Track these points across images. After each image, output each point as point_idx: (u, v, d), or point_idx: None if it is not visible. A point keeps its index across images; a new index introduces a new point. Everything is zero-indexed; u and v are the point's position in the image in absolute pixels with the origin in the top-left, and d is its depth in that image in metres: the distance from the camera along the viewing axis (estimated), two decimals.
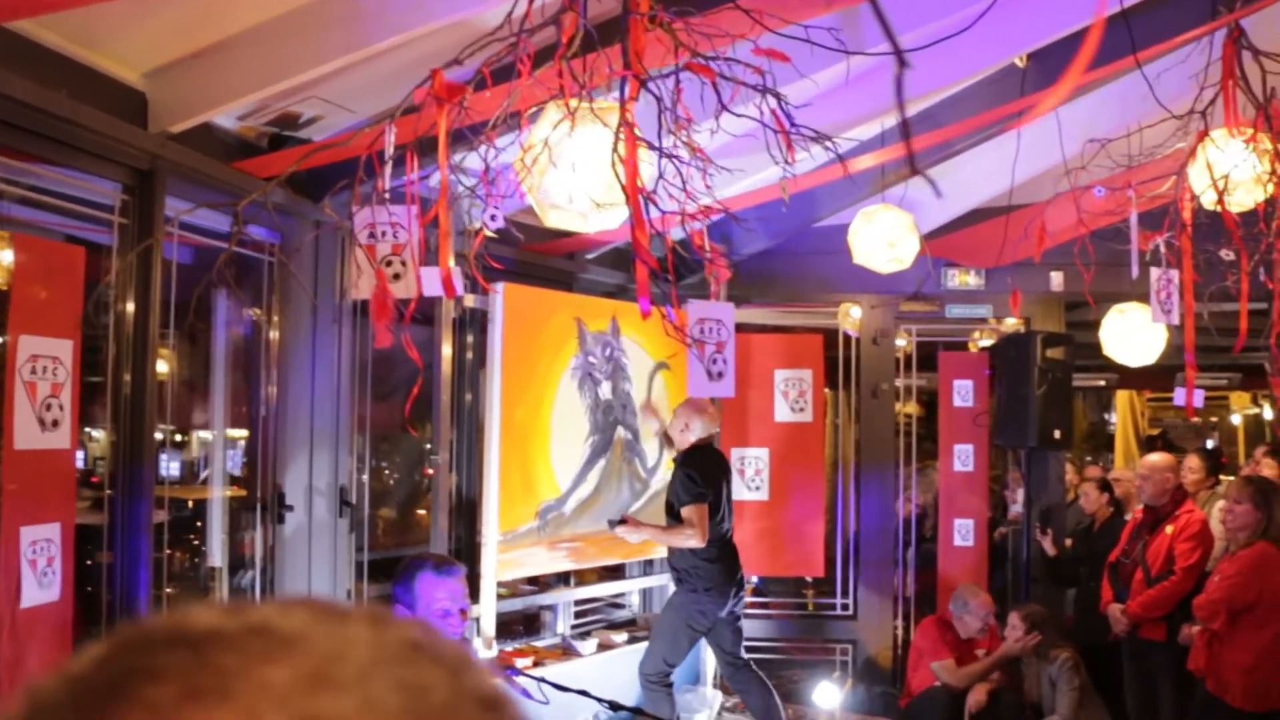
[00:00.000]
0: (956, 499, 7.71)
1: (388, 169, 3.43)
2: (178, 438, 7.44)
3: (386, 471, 7.23)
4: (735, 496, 7.43)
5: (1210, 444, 13.74)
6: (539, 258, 6.49)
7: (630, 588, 7.21)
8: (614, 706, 3.77)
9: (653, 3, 3.48)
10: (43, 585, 3.73)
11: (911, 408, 8.86)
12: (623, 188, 3.19)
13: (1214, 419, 15.41)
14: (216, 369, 5.54)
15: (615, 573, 7.10)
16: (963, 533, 7.63)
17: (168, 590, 4.93)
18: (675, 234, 4.36)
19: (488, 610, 5.60)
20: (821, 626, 7.75)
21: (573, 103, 3.32)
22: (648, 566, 7.21)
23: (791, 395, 7.49)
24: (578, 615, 6.76)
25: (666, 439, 6.27)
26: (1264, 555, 5.57)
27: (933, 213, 7.07)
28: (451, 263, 3.58)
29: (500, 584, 5.98)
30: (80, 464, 5.20)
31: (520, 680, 3.81)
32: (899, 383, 7.93)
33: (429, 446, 5.97)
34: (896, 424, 7.88)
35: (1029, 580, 7.23)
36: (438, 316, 5.54)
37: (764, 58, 3.52)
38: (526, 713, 0.51)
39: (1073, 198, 5.34)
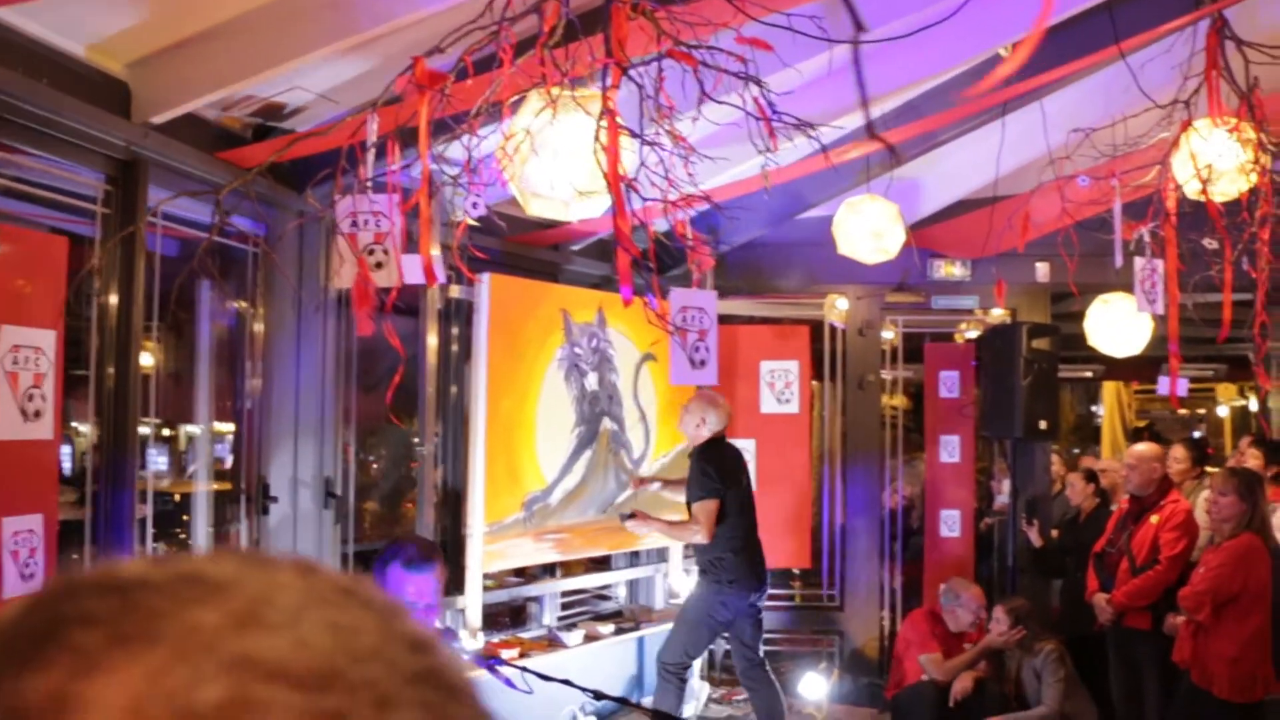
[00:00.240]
0: (943, 490, 7.73)
1: (370, 156, 3.42)
2: (165, 432, 7.43)
3: (374, 464, 7.23)
4: None
5: (1196, 435, 13.78)
6: (525, 249, 6.48)
7: (617, 579, 7.21)
8: (598, 696, 3.77)
9: None
10: (25, 577, 3.72)
11: (899, 400, 8.88)
12: (604, 176, 3.19)
13: (1201, 411, 15.47)
14: (201, 361, 5.52)
15: (602, 565, 7.10)
16: (949, 524, 7.65)
17: None
18: (659, 225, 4.37)
19: (473, 601, 5.60)
20: (808, 618, 7.76)
21: (554, 91, 3.32)
22: (634, 558, 7.21)
23: (777, 386, 7.50)
24: (564, 607, 6.76)
25: (670, 487, 6.28)
26: (1249, 546, 5.58)
27: (918, 204, 7.08)
28: (435, 251, 3.57)
29: (487, 575, 5.98)
30: (68, 461, 5.19)
31: (504, 670, 3.80)
32: (885, 375, 7.94)
33: (416, 441, 5.96)
34: (883, 416, 7.89)
35: (1015, 571, 7.25)
36: (423, 308, 5.53)
37: (747, 46, 3.53)
38: (457, 657, 0.51)
39: (1057, 188, 5.35)
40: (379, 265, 3.59)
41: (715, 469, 5.66)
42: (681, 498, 6.13)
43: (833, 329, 7.80)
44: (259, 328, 5.24)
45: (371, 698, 0.45)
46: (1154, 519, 6.17)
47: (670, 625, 6.43)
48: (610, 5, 3.41)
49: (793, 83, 4.46)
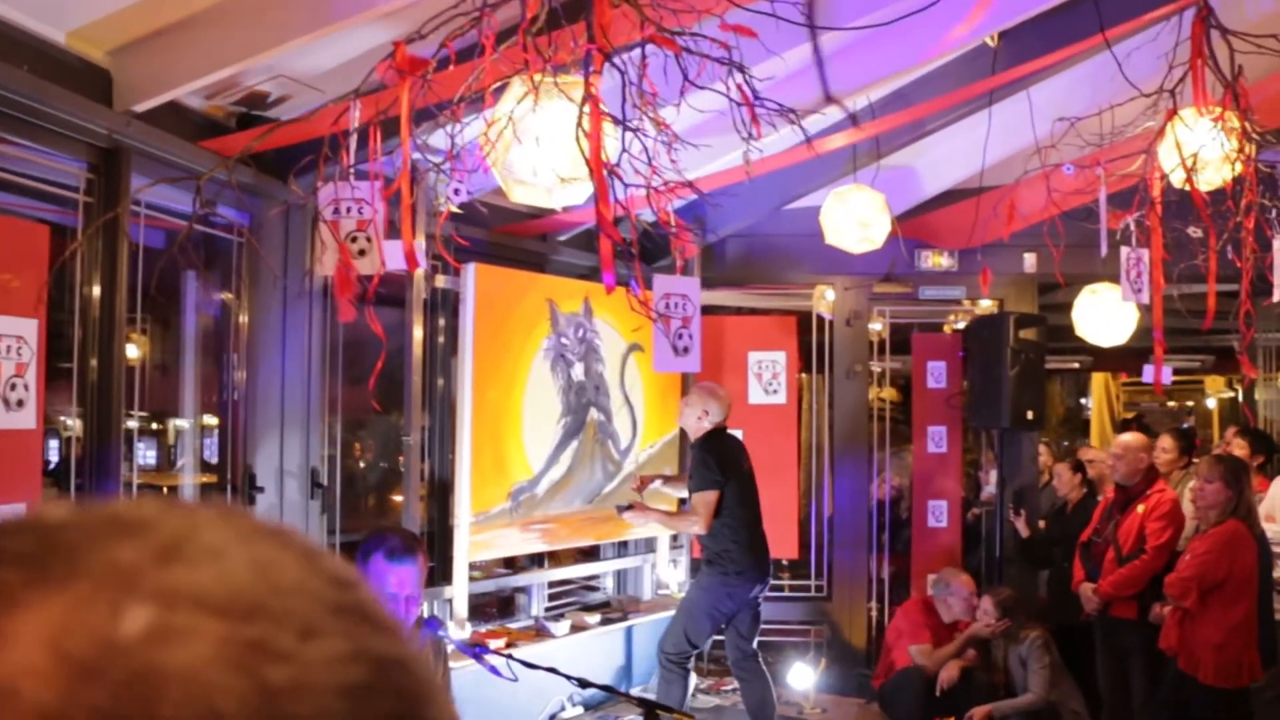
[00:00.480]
0: (931, 481, 7.74)
1: (352, 141, 3.41)
2: (154, 426, 7.41)
3: (362, 455, 7.22)
4: None
5: (1185, 426, 13.82)
6: (511, 239, 6.47)
7: (605, 570, 7.21)
8: (583, 684, 3.76)
9: None
10: None
11: (889, 393, 8.89)
12: (587, 162, 3.18)
13: (1190, 403, 15.52)
14: (187, 352, 5.50)
15: (590, 555, 7.10)
16: (937, 514, 7.67)
17: None
18: (645, 215, 4.36)
19: (460, 592, 5.60)
20: (796, 608, 7.76)
21: (537, 77, 3.31)
22: (622, 549, 7.21)
23: (765, 377, 7.50)
24: (552, 598, 6.76)
25: (671, 484, 6.27)
26: (1234, 533, 5.61)
27: (906, 195, 7.08)
28: (421, 241, 3.56)
29: (474, 566, 5.97)
30: (55, 456, 5.17)
31: (489, 658, 3.80)
32: (874, 366, 7.95)
33: (405, 438, 5.94)
34: (871, 408, 7.89)
35: (1002, 561, 7.27)
36: (409, 298, 5.51)
37: (730, 33, 3.52)
38: (377, 593, 0.51)
39: (1043, 177, 5.36)
40: (362, 253, 3.58)
41: (716, 460, 5.67)
42: (681, 493, 6.14)
43: (820, 320, 7.80)
44: (244, 317, 5.22)
45: (296, 627, 0.46)
46: (1140, 508, 6.19)
47: (660, 615, 6.45)
48: None
49: (778, 71, 4.46)
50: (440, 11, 3.37)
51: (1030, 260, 7.50)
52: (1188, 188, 4.88)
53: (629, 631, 6.73)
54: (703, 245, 7.13)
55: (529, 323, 6.04)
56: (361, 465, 7.24)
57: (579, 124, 3.24)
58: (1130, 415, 13.28)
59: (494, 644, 5.37)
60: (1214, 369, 12.91)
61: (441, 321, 6.18)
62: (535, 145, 3.36)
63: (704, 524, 5.60)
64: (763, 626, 7.65)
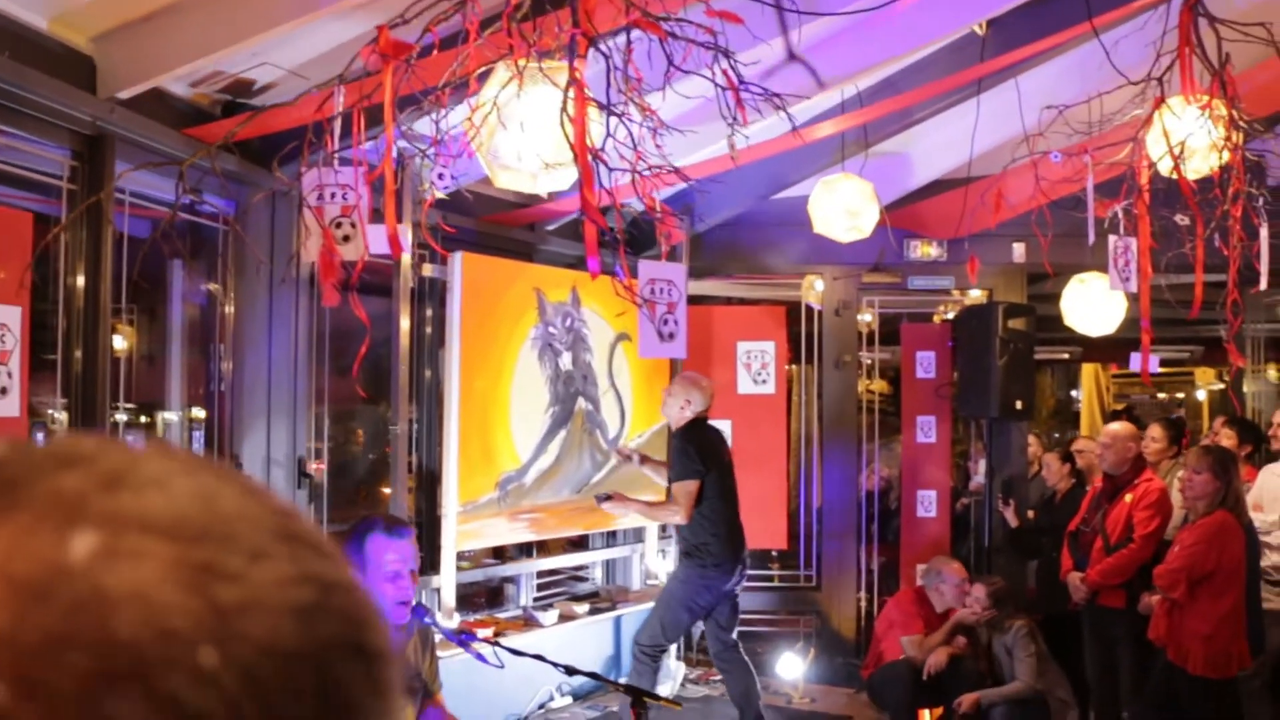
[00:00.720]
0: (920, 471, 7.74)
1: (336, 125, 3.39)
2: (142, 419, 7.38)
3: (350, 445, 7.20)
4: None
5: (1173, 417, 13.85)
6: (499, 228, 6.46)
7: (593, 560, 7.21)
8: (570, 671, 3.76)
9: None
10: None
11: (878, 385, 8.89)
12: (571, 147, 3.17)
13: (1180, 395, 15.56)
14: (173, 342, 5.48)
15: (580, 546, 7.10)
16: (926, 504, 7.67)
17: None
18: (633, 204, 4.36)
19: (448, 581, 5.59)
20: (785, 598, 7.77)
21: (521, 62, 3.30)
22: (611, 539, 7.21)
23: (754, 367, 7.50)
24: (540, 588, 6.75)
25: (650, 465, 6.25)
26: (1223, 524, 5.60)
27: (894, 184, 7.08)
28: (405, 227, 3.54)
29: (463, 555, 5.97)
30: None
31: (475, 645, 3.79)
32: (864, 356, 7.94)
33: (393, 427, 5.93)
34: (861, 399, 7.89)
35: (991, 551, 7.28)
36: (396, 286, 5.49)
37: (716, 19, 3.51)
38: (311, 521, 0.52)
39: (1032, 166, 5.35)
40: (346, 239, 3.56)
41: (696, 449, 5.64)
42: (660, 478, 6.12)
43: (810, 311, 7.80)
44: (230, 306, 5.20)
45: (243, 550, 0.46)
46: (1128, 498, 6.19)
47: (648, 605, 6.43)
48: None
49: (765, 58, 4.46)
50: None
51: (1019, 250, 7.50)
52: (1175, 176, 4.88)
53: (617, 621, 6.73)
54: (690, 234, 7.12)
55: (516, 312, 6.03)
56: (350, 455, 7.22)
57: (564, 109, 3.23)
58: (1120, 407, 13.31)
59: (482, 633, 5.37)
60: (1203, 360, 12.95)
61: (429, 312, 6.16)
62: (520, 130, 3.34)
63: (685, 514, 5.58)
64: (752, 616, 7.69)
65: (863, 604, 7.65)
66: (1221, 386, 13.75)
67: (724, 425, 7.43)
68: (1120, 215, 5.34)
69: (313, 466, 5.33)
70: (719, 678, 6.47)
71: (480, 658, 3.74)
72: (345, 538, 3.58)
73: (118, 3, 4.18)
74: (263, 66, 4.72)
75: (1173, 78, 4.89)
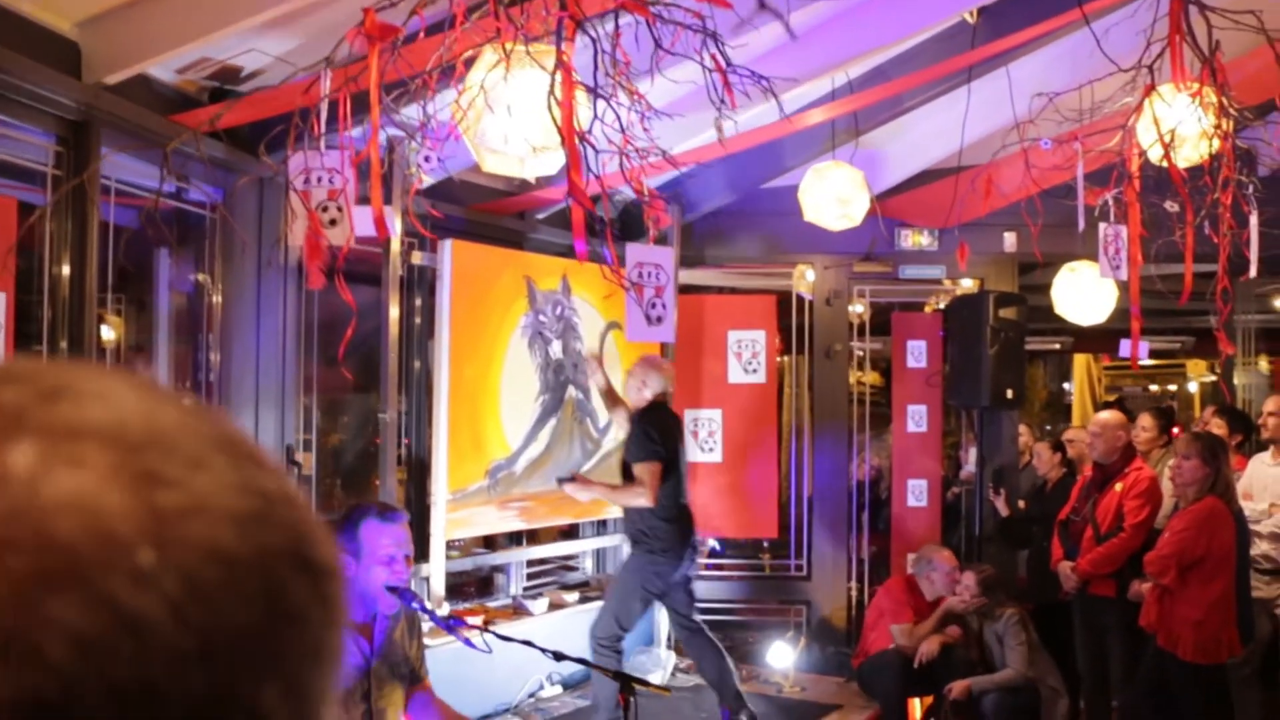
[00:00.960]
0: (910, 460, 7.74)
1: (323, 107, 3.37)
2: None
3: (339, 435, 7.18)
4: (689, 458, 7.44)
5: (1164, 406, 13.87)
6: (489, 217, 6.44)
7: (583, 548, 7.19)
8: (558, 656, 3.75)
9: None
10: None
11: (872, 378, 8.89)
12: (558, 130, 3.16)
13: (1172, 387, 15.58)
14: (160, 332, 5.45)
15: (571, 535, 7.09)
16: (916, 493, 7.68)
17: None
18: (625, 192, 4.33)
19: (437, 570, 5.58)
20: (776, 588, 7.77)
21: (508, 46, 3.28)
22: (601, 527, 7.20)
23: (745, 356, 7.49)
24: (530, 577, 6.74)
25: (608, 396, 6.18)
26: (1212, 510, 5.62)
27: (885, 174, 7.08)
28: (391, 209, 3.53)
29: (453, 544, 5.96)
30: None
31: (463, 631, 3.79)
32: (855, 347, 7.94)
33: (382, 414, 5.91)
34: (852, 391, 7.88)
35: (981, 540, 7.28)
36: (385, 274, 5.46)
37: (705, 3, 3.49)
38: (251, 438, 0.52)
39: (1022, 154, 5.35)
40: (333, 222, 3.55)
41: (657, 431, 5.60)
42: (621, 416, 6.02)
43: (801, 300, 7.79)
44: (218, 294, 5.18)
45: (184, 458, 0.47)
46: (1118, 486, 6.20)
47: None
48: None
49: (755, 44, 4.44)
50: None
51: (1010, 240, 7.50)
52: (1165, 164, 4.87)
53: None
54: (681, 223, 7.10)
55: (507, 300, 6.01)
56: (339, 444, 7.21)
57: (551, 93, 3.22)
58: (1111, 399, 13.32)
59: (471, 622, 5.36)
60: (1195, 351, 12.96)
61: (418, 301, 6.15)
62: (507, 114, 3.33)
63: (650, 495, 5.51)
64: (742, 606, 7.69)
65: (853, 593, 7.66)
66: (1213, 379, 13.77)
67: (714, 415, 7.45)
68: (1110, 203, 5.33)
69: (299, 456, 5.32)
70: None
71: (468, 643, 3.73)
72: (339, 524, 3.58)
73: None
74: (250, 53, 4.69)
75: (1163, 66, 4.89)
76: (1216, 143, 4.90)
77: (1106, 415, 6.53)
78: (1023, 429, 8.17)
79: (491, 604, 6.29)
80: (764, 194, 7.11)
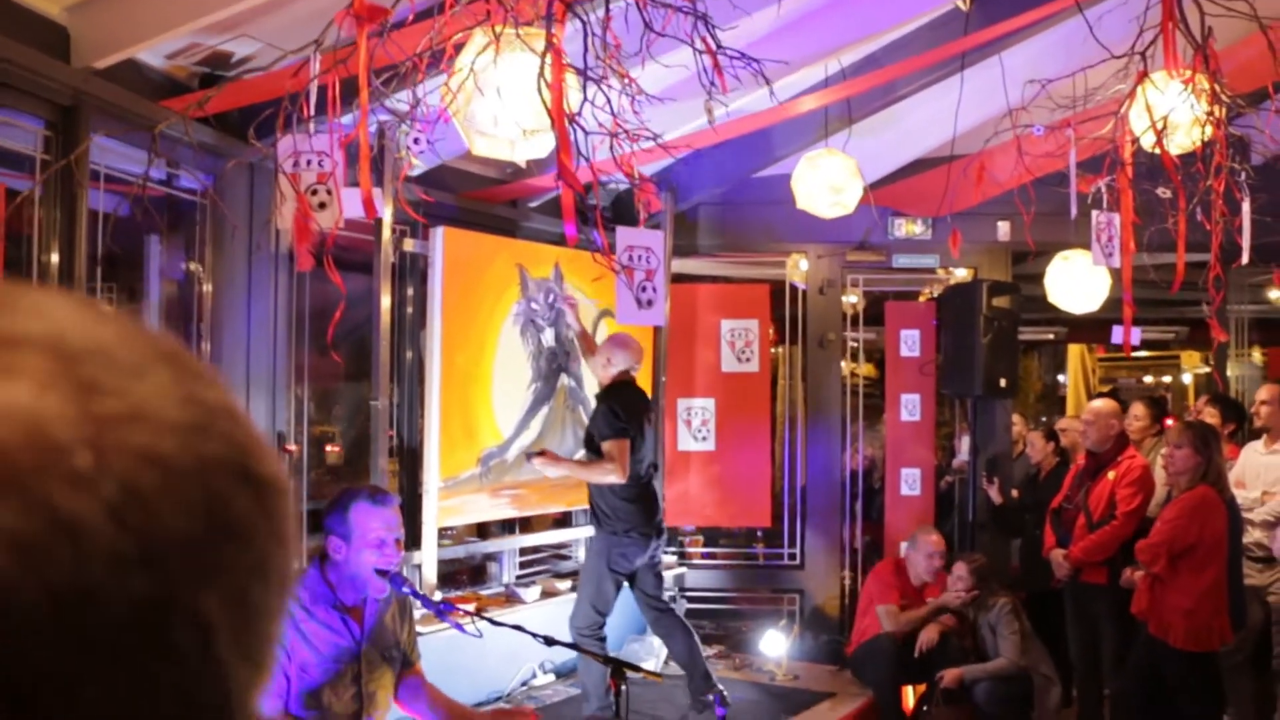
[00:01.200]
0: (904, 449, 7.75)
1: (312, 89, 3.36)
2: None
3: (333, 424, 7.17)
4: (681, 447, 7.45)
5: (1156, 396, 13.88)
6: (481, 205, 6.43)
7: (576, 536, 7.18)
8: (549, 641, 3.75)
9: None
10: None
11: (867, 369, 8.89)
12: (548, 112, 3.15)
13: (1166, 378, 15.60)
14: (149, 319, 5.44)
15: (564, 522, 7.08)
16: (910, 482, 7.68)
17: None
18: (619, 180, 4.33)
19: (429, 557, 5.57)
20: (769, 576, 7.78)
21: (498, 28, 3.27)
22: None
23: (738, 345, 7.50)
24: (523, 565, 6.74)
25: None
26: (1204, 498, 5.63)
27: (878, 162, 7.07)
28: (380, 191, 3.52)
29: (445, 532, 5.95)
30: None
31: (453, 615, 3.78)
32: (849, 337, 7.93)
33: (373, 401, 5.90)
34: (845, 381, 7.88)
35: (975, 528, 7.28)
36: (377, 264, 5.44)
37: None
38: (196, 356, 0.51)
39: (1015, 142, 5.34)
40: (322, 205, 3.54)
41: (621, 408, 5.55)
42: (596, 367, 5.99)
43: (794, 290, 7.79)
44: (208, 283, 5.16)
45: (125, 368, 0.46)
46: (1110, 475, 6.21)
47: None
48: None
49: (748, 28, 4.43)
50: None
51: (1004, 229, 7.49)
52: (1158, 151, 4.87)
53: None
54: (674, 211, 7.10)
55: (499, 287, 6.00)
56: (336, 425, 7.20)
57: (541, 75, 3.21)
58: (1105, 390, 13.33)
59: (463, 608, 5.35)
60: (1189, 342, 12.97)
61: (410, 290, 6.13)
62: (497, 97, 3.32)
63: (620, 470, 5.46)
64: (736, 595, 7.70)
65: (847, 582, 7.66)
66: (1207, 370, 13.77)
67: (708, 404, 7.45)
68: (1103, 191, 5.33)
69: (291, 445, 5.32)
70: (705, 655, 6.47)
71: (458, 626, 3.73)
72: (329, 508, 3.58)
73: None
74: (240, 38, 4.68)
75: (1156, 52, 4.88)
76: (1209, 129, 4.90)
77: (1100, 404, 6.54)
78: (1016, 418, 8.18)
79: (484, 592, 6.29)
80: (757, 183, 7.10)
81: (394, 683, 3.73)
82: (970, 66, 5.67)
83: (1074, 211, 5.16)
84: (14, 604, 0.41)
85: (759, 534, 8.05)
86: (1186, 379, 14.74)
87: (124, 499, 0.43)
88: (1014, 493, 7.47)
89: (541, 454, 5.69)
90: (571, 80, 3.29)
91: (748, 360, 7.50)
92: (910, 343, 7.73)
